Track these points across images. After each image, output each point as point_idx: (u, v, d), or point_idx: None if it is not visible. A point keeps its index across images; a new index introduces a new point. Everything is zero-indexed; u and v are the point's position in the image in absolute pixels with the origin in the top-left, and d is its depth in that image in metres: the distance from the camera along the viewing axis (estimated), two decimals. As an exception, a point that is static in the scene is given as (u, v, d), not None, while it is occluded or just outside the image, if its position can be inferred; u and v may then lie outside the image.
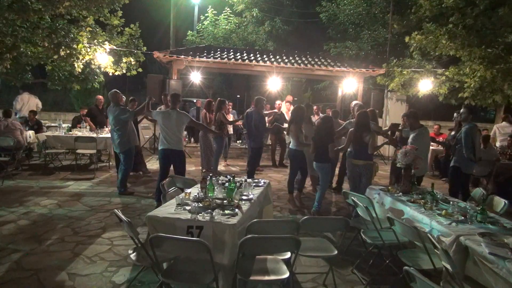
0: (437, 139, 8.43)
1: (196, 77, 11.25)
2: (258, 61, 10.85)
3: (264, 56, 11.63)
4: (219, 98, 7.94)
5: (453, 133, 6.17)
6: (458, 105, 12.16)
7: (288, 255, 3.09)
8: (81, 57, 9.17)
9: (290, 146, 6.19)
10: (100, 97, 9.12)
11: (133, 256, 3.01)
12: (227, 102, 8.10)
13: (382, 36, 14.89)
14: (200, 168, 8.28)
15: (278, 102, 9.73)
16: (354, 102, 7.29)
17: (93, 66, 10.31)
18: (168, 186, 4.05)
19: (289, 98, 10.41)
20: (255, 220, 3.19)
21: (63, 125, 9.03)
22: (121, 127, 6.13)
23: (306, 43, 17.92)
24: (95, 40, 9.49)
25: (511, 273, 2.33)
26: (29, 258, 3.74)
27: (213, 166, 7.84)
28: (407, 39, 10.84)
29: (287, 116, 8.51)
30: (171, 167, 5.55)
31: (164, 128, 5.39)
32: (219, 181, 4.00)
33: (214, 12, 18.52)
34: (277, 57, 11.59)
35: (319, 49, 15.91)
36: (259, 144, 7.24)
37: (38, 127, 9.17)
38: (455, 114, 6.13)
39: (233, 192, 3.50)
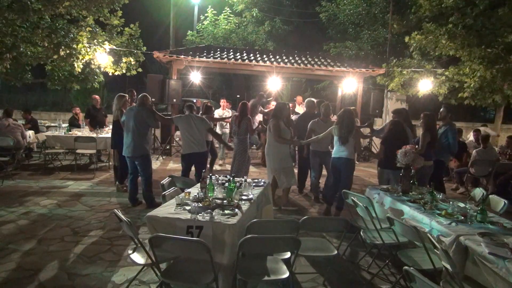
0: None
1: (196, 77, 11.25)
2: (258, 61, 10.85)
3: (264, 56, 11.63)
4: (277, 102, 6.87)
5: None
6: (458, 105, 12.19)
7: (288, 255, 3.09)
8: (81, 57, 9.17)
9: (339, 155, 5.37)
10: (97, 96, 9.06)
11: (133, 256, 3.01)
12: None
13: (382, 36, 14.89)
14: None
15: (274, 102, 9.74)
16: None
17: (93, 66, 10.31)
18: (168, 186, 4.05)
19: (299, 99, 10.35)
20: (255, 220, 3.19)
21: (63, 125, 9.04)
22: (146, 131, 5.65)
23: (306, 43, 17.91)
24: (95, 40, 9.49)
25: (511, 273, 2.33)
26: (29, 258, 3.74)
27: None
28: (407, 39, 10.85)
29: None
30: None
31: None
32: (219, 181, 4.00)
33: (214, 12, 18.53)
34: (277, 57, 11.59)
35: (319, 49, 15.91)
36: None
37: (32, 126, 9.10)
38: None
39: (233, 192, 3.50)
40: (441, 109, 6.19)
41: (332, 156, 5.52)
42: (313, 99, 7.05)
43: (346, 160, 5.33)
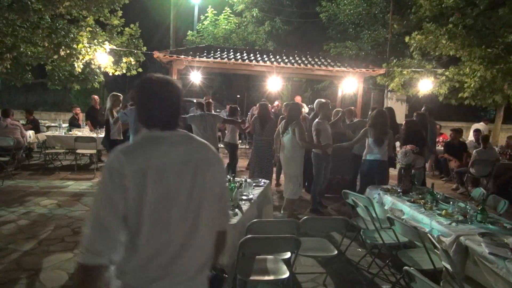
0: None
1: (196, 77, 11.24)
2: (258, 61, 10.84)
3: (264, 56, 11.62)
4: (291, 103, 6.34)
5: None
6: (459, 105, 12.19)
7: (288, 255, 3.09)
8: (81, 57, 9.16)
9: (374, 157, 5.17)
10: (95, 97, 9.04)
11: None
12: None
13: (382, 36, 14.88)
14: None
15: (276, 102, 9.73)
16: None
17: (93, 66, 10.30)
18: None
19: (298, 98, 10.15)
20: (255, 220, 3.19)
21: (63, 125, 9.04)
22: None
23: (306, 43, 17.90)
24: (95, 40, 9.48)
25: (511, 273, 2.33)
26: (29, 258, 3.74)
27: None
28: (407, 39, 10.84)
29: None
30: None
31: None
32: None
33: (214, 12, 18.52)
34: (277, 57, 11.58)
35: (319, 49, 15.89)
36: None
37: (33, 126, 9.10)
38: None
39: (233, 192, 3.50)
40: (423, 108, 6.78)
41: (366, 158, 5.29)
42: (322, 100, 6.53)
43: (380, 162, 5.18)
